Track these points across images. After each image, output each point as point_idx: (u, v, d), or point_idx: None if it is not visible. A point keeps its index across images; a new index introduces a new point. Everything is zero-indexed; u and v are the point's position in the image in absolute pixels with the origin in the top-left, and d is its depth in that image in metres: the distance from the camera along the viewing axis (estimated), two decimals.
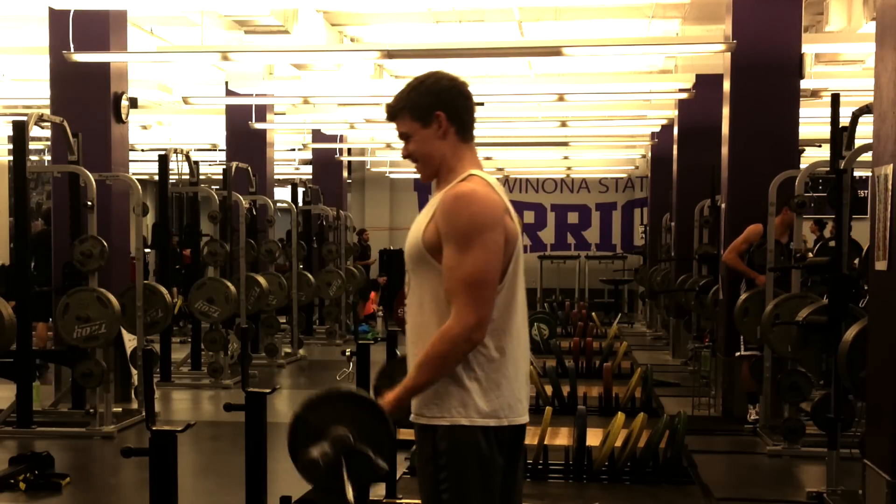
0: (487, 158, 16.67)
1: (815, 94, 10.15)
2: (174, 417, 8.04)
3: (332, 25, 10.22)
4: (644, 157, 16.99)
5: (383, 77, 11.48)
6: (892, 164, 4.07)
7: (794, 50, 7.46)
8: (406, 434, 2.60)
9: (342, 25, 10.37)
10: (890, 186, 4.08)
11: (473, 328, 2.48)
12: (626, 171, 18.75)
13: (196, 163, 10.14)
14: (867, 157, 4.87)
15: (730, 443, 6.90)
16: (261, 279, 10.19)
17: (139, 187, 7.65)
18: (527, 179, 19.59)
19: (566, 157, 17.31)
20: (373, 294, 15.43)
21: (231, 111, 11.90)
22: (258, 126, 11.54)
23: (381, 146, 15.39)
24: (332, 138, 14.73)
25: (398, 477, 5.28)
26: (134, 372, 7.97)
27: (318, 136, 14.79)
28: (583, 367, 9.42)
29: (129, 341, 7.90)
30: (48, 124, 7.38)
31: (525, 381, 2.67)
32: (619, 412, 5.86)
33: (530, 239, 19.32)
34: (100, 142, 7.82)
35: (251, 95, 10.86)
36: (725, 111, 7.76)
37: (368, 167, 18.86)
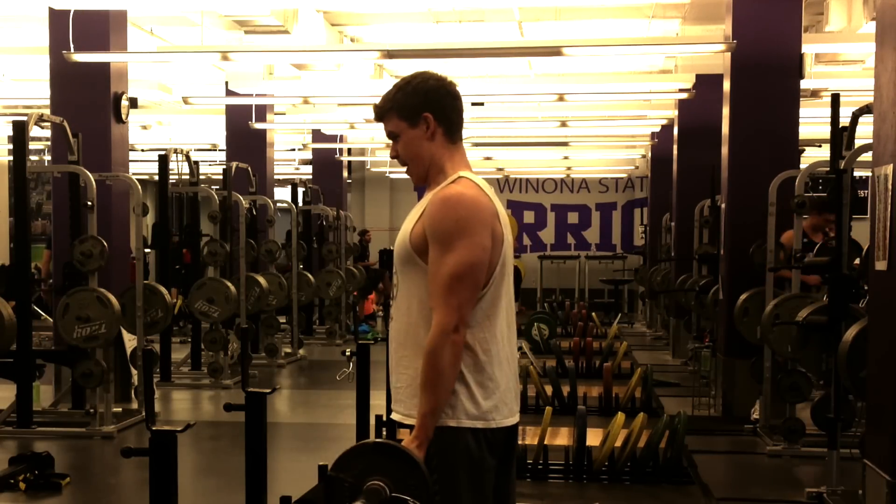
0: (487, 158, 16.68)
1: (815, 94, 10.15)
2: (174, 417, 8.04)
3: (332, 25, 10.22)
4: (644, 157, 16.99)
5: (383, 77, 11.47)
6: (892, 164, 4.07)
7: (794, 50, 7.46)
8: (404, 434, 2.59)
9: (342, 25, 10.37)
10: (890, 186, 4.08)
11: (450, 331, 2.48)
12: (626, 171, 18.76)
13: (196, 163, 10.14)
14: (867, 157, 4.87)
15: (730, 443, 6.89)
16: (261, 279, 10.19)
17: (139, 187, 7.65)
18: (527, 179, 19.58)
19: (566, 157, 17.31)
20: (373, 294, 15.44)
21: (231, 111, 11.90)
22: (258, 126, 11.54)
23: (381, 146, 15.39)
24: (332, 138, 14.73)
25: None
26: (134, 372, 7.97)
27: (318, 136, 14.80)
28: (583, 367, 9.43)
29: (129, 341, 7.90)
30: (48, 124, 7.38)
31: (513, 383, 2.67)
32: (619, 412, 5.86)
33: (530, 239, 19.32)
34: (100, 142, 7.82)
35: (251, 95, 10.86)
36: (725, 111, 7.76)
37: (368, 167, 18.87)
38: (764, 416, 6.86)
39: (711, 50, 7.88)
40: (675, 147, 11.63)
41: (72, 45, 7.33)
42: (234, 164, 10.38)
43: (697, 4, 8.99)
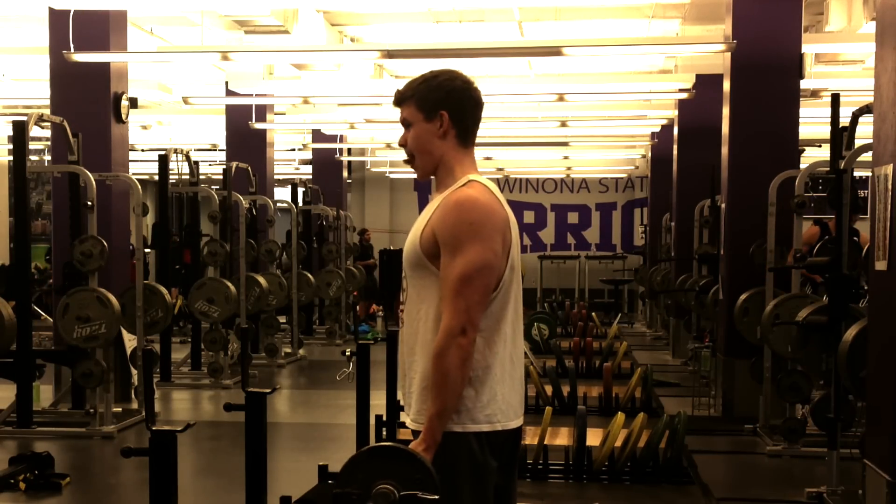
0: (487, 158, 16.67)
1: (815, 94, 10.15)
2: (174, 417, 8.04)
3: (332, 25, 10.22)
4: (644, 157, 16.99)
5: (383, 77, 11.48)
6: (892, 164, 4.07)
7: (794, 50, 7.46)
8: (404, 434, 2.59)
9: (342, 25, 10.37)
10: (890, 186, 4.08)
11: (457, 333, 2.46)
12: (626, 171, 18.76)
13: (196, 163, 10.14)
14: (867, 157, 4.87)
15: (730, 443, 6.89)
16: (261, 279, 10.19)
17: (139, 187, 7.65)
18: (527, 179, 19.60)
19: (566, 157, 17.31)
20: (373, 307, 15.41)
21: (231, 111, 11.90)
22: (258, 126, 11.54)
23: (381, 146, 15.39)
24: (332, 138, 14.73)
25: None
26: (134, 372, 7.97)
27: (318, 136, 14.80)
28: (583, 367, 9.43)
29: (129, 341, 7.90)
30: (48, 124, 7.38)
31: (519, 386, 2.66)
32: (619, 412, 5.86)
33: (530, 239, 19.33)
34: (100, 142, 7.82)
35: (251, 95, 10.86)
36: (725, 111, 7.76)
37: (368, 167, 18.87)
38: (764, 416, 6.86)
39: (711, 50, 7.88)
40: (675, 147, 11.63)
41: (72, 45, 7.33)
42: (234, 164, 10.38)
43: (697, 4, 8.99)
